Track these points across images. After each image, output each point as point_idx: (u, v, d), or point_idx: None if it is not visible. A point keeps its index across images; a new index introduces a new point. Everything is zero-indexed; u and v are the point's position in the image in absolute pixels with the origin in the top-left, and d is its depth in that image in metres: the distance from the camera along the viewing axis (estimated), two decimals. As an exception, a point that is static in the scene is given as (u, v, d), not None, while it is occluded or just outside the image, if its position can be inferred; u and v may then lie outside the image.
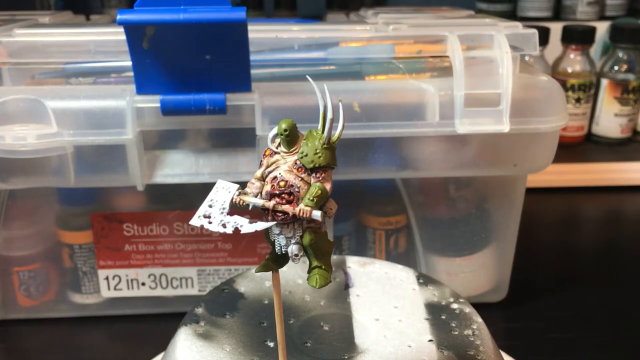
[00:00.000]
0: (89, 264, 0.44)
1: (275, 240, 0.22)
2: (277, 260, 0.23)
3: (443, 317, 0.30)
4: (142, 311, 0.46)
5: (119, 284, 0.44)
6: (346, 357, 0.26)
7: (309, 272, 0.23)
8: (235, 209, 0.22)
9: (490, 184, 0.45)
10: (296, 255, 0.22)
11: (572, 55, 0.75)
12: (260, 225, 0.21)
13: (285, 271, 0.32)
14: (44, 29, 0.42)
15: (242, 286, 0.32)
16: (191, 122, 0.38)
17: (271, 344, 0.28)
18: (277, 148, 0.22)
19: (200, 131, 0.40)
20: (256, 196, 0.22)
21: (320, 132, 0.21)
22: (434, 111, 0.38)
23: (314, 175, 0.21)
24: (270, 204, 0.21)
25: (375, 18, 0.50)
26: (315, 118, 0.37)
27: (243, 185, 0.23)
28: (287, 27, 0.42)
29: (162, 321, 0.45)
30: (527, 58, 0.52)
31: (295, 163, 0.21)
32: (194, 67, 0.35)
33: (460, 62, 0.37)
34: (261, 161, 0.22)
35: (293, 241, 0.22)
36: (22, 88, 0.38)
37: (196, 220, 0.21)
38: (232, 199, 0.22)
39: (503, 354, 0.34)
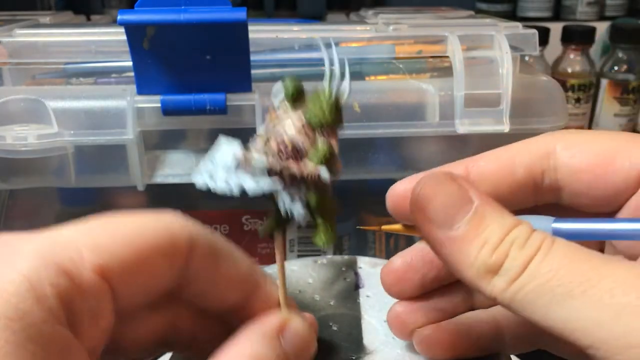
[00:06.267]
0: (90, 263, 0.44)
1: (280, 202, 0.21)
2: (281, 224, 0.22)
3: None
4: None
5: (119, 284, 0.44)
6: (354, 358, 0.26)
7: (314, 233, 0.22)
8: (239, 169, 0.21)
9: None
10: (301, 215, 0.21)
11: (572, 56, 0.75)
12: (266, 184, 0.20)
13: (295, 270, 0.32)
14: (45, 29, 0.42)
15: None
16: (191, 122, 0.38)
17: None
18: (281, 104, 0.21)
19: (200, 131, 0.40)
20: (260, 154, 0.21)
21: (326, 91, 0.21)
22: (434, 111, 0.38)
23: (319, 132, 0.21)
24: (276, 163, 0.20)
25: (375, 18, 0.50)
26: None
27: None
28: (288, 27, 0.42)
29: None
30: (527, 58, 0.52)
31: (301, 120, 0.21)
32: (195, 67, 0.36)
33: (461, 62, 0.37)
34: (265, 118, 0.22)
35: (299, 201, 0.21)
36: (23, 88, 0.38)
37: (198, 178, 0.21)
38: (236, 157, 0.20)
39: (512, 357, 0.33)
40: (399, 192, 0.23)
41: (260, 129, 0.21)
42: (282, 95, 0.21)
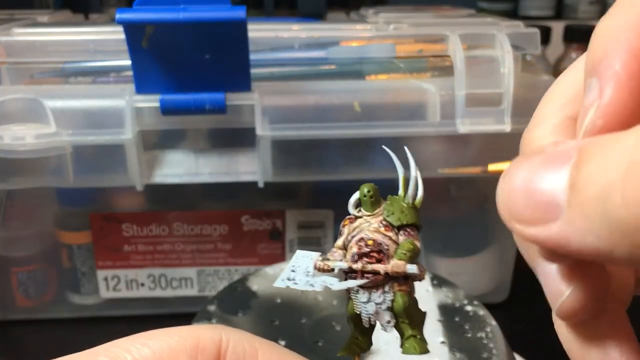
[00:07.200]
0: (88, 264, 0.44)
1: (362, 310, 0.21)
2: (361, 338, 0.22)
3: (456, 319, 0.29)
4: (141, 312, 0.45)
5: (118, 285, 0.44)
6: (358, 358, 0.26)
7: (402, 343, 0.22)
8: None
9: (492, 184, 0.44)
10: (388, 322, 0.21)
11: (573, 55, 0.75)
12: (352, 282, 0.20)
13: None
14: (43, 28, 0.42)
15: (255, 284, 0.32)
16: (191, 122, 0.37)
17: (282, 342, 0.28)
18: (358, 213, 0.21)
19: (199, 131, 0.40)
20: (340, 260, 0.21)
21: (402, 195, 0.21)
22: (435, 111, 0.37)
23: (402, 232, 0.21)
24: (359, 264, 0.20)
25: (375, 17, 0.50)
26: (316, 118, 0.37)
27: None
28: (287, 26, 0.42)
29: (162, 322, 0.45)
30: (528, 57, 0.52)
31: (381, 223, 0.21)
32: (194, 67, 0.35)
33: (462, 61, 0.37)
34: (341, 230, 0.21)
35: (384, 307, 0.21)
36: (21, 87, 0.38)
37: (280, 282, 0.21)
38: (315, 264, 0.21)
39: (517, 356, 0.33)
40: None
41: (339, 241, 0.21)
42: (357, 197, 0.21)
